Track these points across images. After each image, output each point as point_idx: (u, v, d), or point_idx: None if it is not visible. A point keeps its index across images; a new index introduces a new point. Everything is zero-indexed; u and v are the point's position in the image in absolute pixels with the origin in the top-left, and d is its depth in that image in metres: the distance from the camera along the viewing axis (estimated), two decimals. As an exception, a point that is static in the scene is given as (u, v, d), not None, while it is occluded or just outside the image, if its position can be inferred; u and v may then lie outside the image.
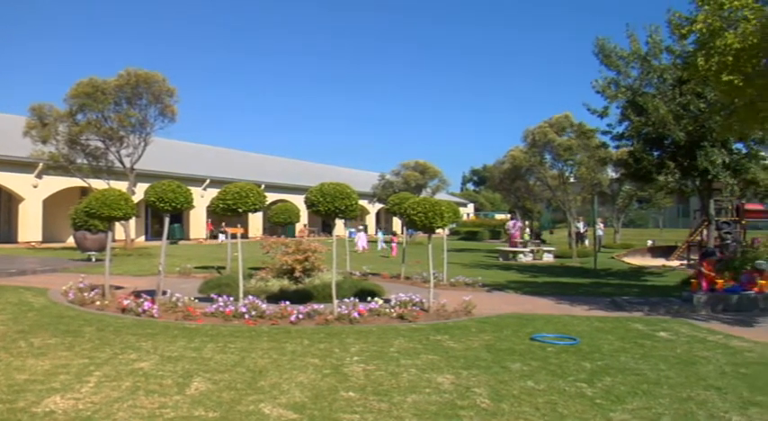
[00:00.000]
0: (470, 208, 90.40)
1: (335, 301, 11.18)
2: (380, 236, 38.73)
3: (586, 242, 42.61)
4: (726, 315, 12.88)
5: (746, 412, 6.23)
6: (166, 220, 12.72)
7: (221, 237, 39.44)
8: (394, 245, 30.71)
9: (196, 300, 11.84)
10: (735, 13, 11.33)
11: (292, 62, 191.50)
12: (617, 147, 24.76)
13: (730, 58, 11.27)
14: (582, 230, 40.18)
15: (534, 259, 31.65)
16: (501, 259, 31.64)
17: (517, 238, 36.43)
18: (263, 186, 27.78)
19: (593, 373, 7.65)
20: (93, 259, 22.82)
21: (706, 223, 23.41)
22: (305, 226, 42.63)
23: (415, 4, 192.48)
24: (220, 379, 6.93)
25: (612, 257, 32.31)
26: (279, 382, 6.85)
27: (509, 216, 50.28)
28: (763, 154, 21.90)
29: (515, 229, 37.05)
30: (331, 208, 11.46)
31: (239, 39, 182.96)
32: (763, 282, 13.72)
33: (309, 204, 11.77)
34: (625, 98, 21.11)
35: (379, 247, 35.20)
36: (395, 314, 11.26)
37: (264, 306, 11.12)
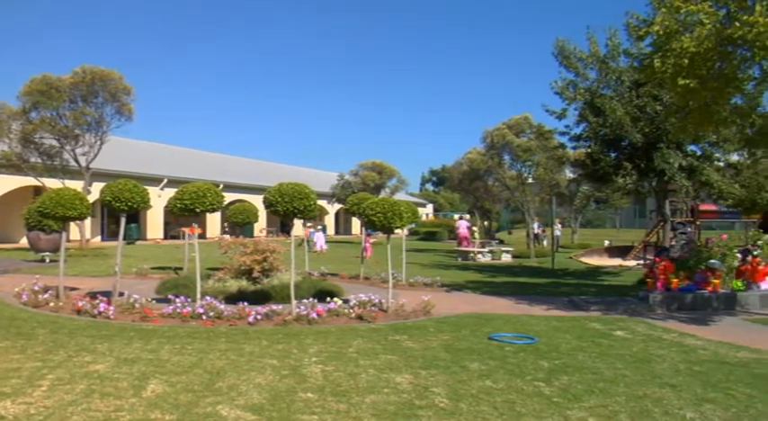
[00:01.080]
0: (429, 208, 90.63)
1: (294, 302, 11.13)
2: (320, 235, 37.14)
3: (545, 242, 42.99)
4: (681, 314, 13.06)
5: (700, 409, 6.32)
6: (123, 220, 12.54)
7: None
8: (369, 245, 30.73)
9: (153, 301, 11.71)
10: (690, 17, 11.50)
11: (251, 61, 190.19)
12: (575, 148, 25.00)
13: (686, 61, 11.43)
14: (537, 231, 40.56)
15: (493, 259, 31.84)
16: (460, 259, 31.77)
17: (467, 238, 36.70)
18: (221, 186, 27.59)
19: (551, 372, 7.69)
20: (48, 260, 22.43)
21: (662, 223, 23.76)
22: (262, 230, 42.29)
23: (374, 2, 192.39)
24: (177, 380, 6.85)
25: (570, 257, 32.65)
26: (237, 384, 6.78)
27: (457, 216, 50.48)
28: (717, 156, 22.28)
29: (463, 229, 37.28)
30: (289, 208, 11.40)
31: (198, 36, 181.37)
32: (717, 281, 13.94)
33: (268, 204, 11.70)
34: (583, 100, 21.32)
35: (318, 248, 34.47)
36: (354, 314, 11.24)
37: (222, 307, 11.03)
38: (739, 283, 14.23)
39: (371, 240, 21.08)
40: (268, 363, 7.76)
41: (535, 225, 40.46)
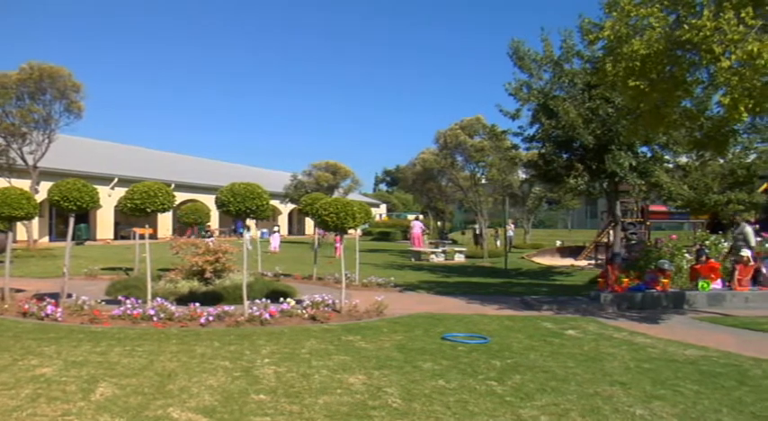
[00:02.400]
0: (383, 208, 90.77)
1: (246, 303, 11.05)
2: (275, 236, 36.37)
3: (497, 243, 43.26)
4: (631, 312, 13.25)
5: (649, 405, 6.42)
6: (71, 220, 12.33)
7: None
8: (338, 245, 30.67)
9: (103, 303, 11.54)
10: (641, 21, 11.67)
11: (204, 59, 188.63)
12: (528, 149, 25.14)
13: (637, 64, 11.59)
14: (478, 231, 40.88)
15: (446, 259, 31.94)
16: (413, 259, 31.82)
17: (420, 238, 36.93)
18: (172, 186, 27.29)
19: (504, 371, 7.74)
20: (-7, 261, 21.98)
21: (612, 224, 24.05)
22: (215, 229, 41.96)
23: None
24: (127, 383, 6.74)
25: (522, 257, 32.92)
26: (188, 386, 6.70)
27: (412, 217, 50.72)
28: (666, 157, 22.63)
29: (417, 229, 37.51)
30: (242, 208, 11.32)
31: (150, 34, 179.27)
32: (666, 280, 14.18)
33: (220, 204, 11.60)
34: (536, 101, 21.46)
35: (272, 248, 34.16)
36: (307, 315, 11.19)
37: (173, 308, 10.90)
38: (705, 285, 14.45)
39: (340, 240, 21.10)
40: (220, 365, 7.68)
41: (476, 225, 40.86)
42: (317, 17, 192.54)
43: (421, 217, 45.22)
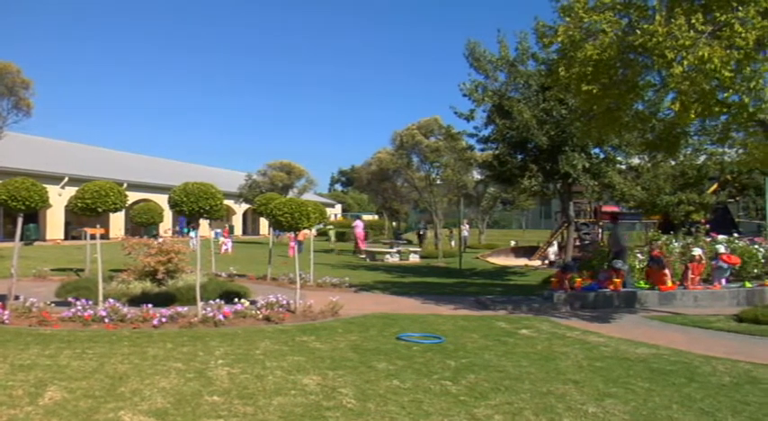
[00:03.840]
0: (338, 209, 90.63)
1: (200, 304, 10.95)
2: (192, 234, 35.83)
3: (453, 242, 43.45)
4: (584, 312, 13.41)
5: (602, 403, 6.50)
6: (20, 220, 12.10)
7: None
8: (292, 244, 30.55)
9: (52, 305, 11.35)
10: (594, 25, 11.81)
11: (156, 57, 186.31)
12: (483, 149, 25.34)
13: (590, 69, 11.73)
14: (421, 232, 41.01)
15: (401, 259, 32.02)
16: (368, 259, 31.85)
17: (362, 237, 37.19)
18: (125, 185, 26.95)
19: (458, 371, 7.77)
20: (-61, 262, 21.50)
21: (566, 224, 24.33)
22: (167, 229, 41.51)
23: None
24: (77, 387, 6.61)
25: (477, 257, 33.12)
26: (140, 388, 6.60)
27: (354, 217, 50.81)
28: (619, 159, 22.96)
29: (359, 229, 37.70)
30: (195, 208, 11.21)
31: (103, 33, 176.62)
32: (618, 280, 14.36)
33: (173, 204, 11.48)
34: (492, 102, 21.64)
35: (224, 249, 33.91)
36: (261, 316, 11.11)
37: (125, 309, 10.73)
38: (642, 283, 14.66)
39: (295, 239, 21.04)
40: (173, 367, 7.59)
41: (420, 225, 41.09)
42: (272, 14, 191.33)
43: (363, 216, 45.39)
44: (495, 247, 39.71)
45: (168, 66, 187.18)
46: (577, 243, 22.96)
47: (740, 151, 15.18)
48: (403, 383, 7.10)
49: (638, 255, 15.99)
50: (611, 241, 16.46)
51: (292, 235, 14.97)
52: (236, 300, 11.81)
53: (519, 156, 22.34)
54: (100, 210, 11.70)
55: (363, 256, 33.58)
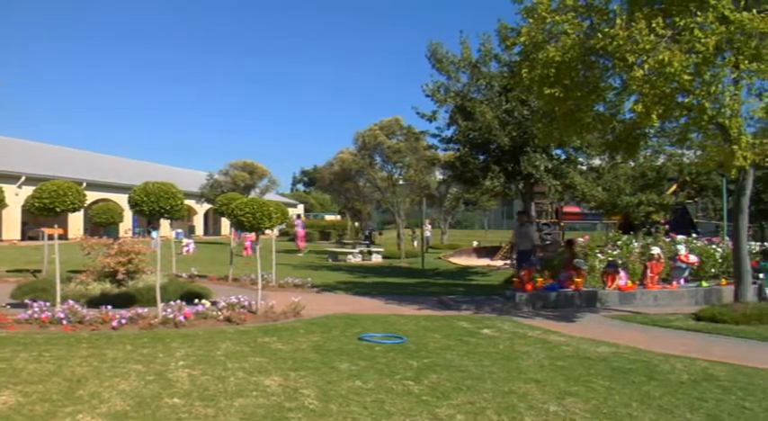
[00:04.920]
0: (300, 209, 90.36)
1: (160, 305, 10.83)
2: (153, 234, 35.53)
3: (416, 243, 43.53)
4: (546, 311, 13.50)
5: (563, 402, 6.54)
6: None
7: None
8: (248, 243, 30.37)
9: (8, 307, 11.18)
10: (556, 27, 11.92)
11: (114, 53, 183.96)
12: (445, 150, 25.42)
13: (552, 71, 11.83)
14: (368, 232, 41.08)
15: (363, 260, 32.04)
16: (330, 260, 31.84)
17: (302, 236, 38.04)
18: (83, 184, 26.60)
19: (420, 371, 7.77)
20: None
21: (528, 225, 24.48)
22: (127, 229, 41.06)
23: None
24: (33, 390, 6.48)
25: (440, 257, 33.25)
26: (99, 391, 6.49)
27: (296, 216, 50.77)
28: (580, 160, 23.17)
29: (299, 228, 37.91)
30: (155, 208, 11.08)
31: (54, 27, 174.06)
32: (579, 280, 14.50)
33: (133, 204, 11.33)
34: (454, 103, 21.72)
35: (153, 246, 33.68)
36: (222, 317, 11.03)
37: (84, 311, 10.56)
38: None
39: (251, 239, 20.93)
40: (132, 369, 7.48)
41: (371, 224, 41.20)
42: (232, 11, 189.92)
43: (303, 216, 45.53)
44: (457, 248, 39.88)
45: (123, 62, 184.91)
46: (539, 243, 23.08)
47: (699, 153, 15.40)
48: (365, 384, 7.08)
49: (599, 255, 16.14)
50: (518, 239, 16.55)
51: (247, 234, 14.89)
52: (197, 300, 11.71)
53: (481, 157, 22.44)
54: (58, 209, 11.50)
55: (301, 254, 34.50)
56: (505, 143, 20.48)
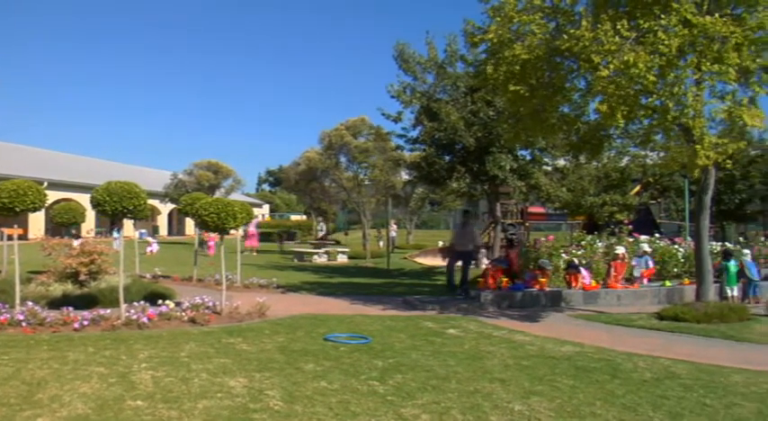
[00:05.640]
0: (266, 209, 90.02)
1: (123, 306, 10.70)
2: (115, 235, 35.67)
3: (381, 243, 43.54)
4: (511, 311, 13.57)
5: (528, 401, 6.58)
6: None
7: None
8: (212, 243, 30.16)
9: (-35, 308, 10.93)
10: (523, 27, 12.01)
11: (76, 49, 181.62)
12: (411, 150, 25.44)
13: (517, 69, 11.90)
14: (322, 233, 41.13)
15: (329, 260, 31.98)
16: (296, 260, 31.73)
17: (254, 235, 38.42)
18: (45, 184, 26.23)
19: (385, 371, 7.77)
20: None
21: (493, 225, 24.59)
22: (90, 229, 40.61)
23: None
24: (-9, 394, 6.38)
25: (405, 258, 33.20)
26: (59, 394, 6.39)
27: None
28: (545, 160, 23.32)
29: (252, 227, 38.02)
30: (118, 208, 10.93)
31: (16, 24, 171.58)
32: (544, 280, 14.59)
33: (95, 204, 11.17)
34: (420, 103, 21.74)
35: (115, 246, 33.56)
36: (186, 317, 10.93)
37: (45, 312, 10.40)
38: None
39: (215, 239, 20.83)
40: (94, 371, 7.38)
41: (320, 225, 41.21)
42: (194, 8, 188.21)
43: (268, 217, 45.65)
44: (422, 248, 39.89)
45: (84, 60, 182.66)
46: (504, 243, 23.19)
47: (662, 154, 15.57)
48: (330, 384, 7.06)
49: (563, 255, 16.25)
50: (459, 239, 16.46)
51: (211, 234, 14.77)
52: (161, 301, 11.57)
53: (447, 158, 22.47)
54: (18, 209, 11.30)
55: (254, 253, 34.96)
56: (471, 144, 20.54)
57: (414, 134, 23.06)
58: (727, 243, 20.23)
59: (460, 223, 16.57)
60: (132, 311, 10.67)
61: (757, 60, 11.08)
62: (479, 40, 13.13)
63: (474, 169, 21.55)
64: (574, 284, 14.89)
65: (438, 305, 14.06)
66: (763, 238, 23.92)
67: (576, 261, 15.49)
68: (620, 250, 15.82)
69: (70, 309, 10.66)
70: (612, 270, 15.37)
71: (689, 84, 11.03)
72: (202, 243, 32.65)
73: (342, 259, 32.79)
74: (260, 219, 43.85)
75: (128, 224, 26.69)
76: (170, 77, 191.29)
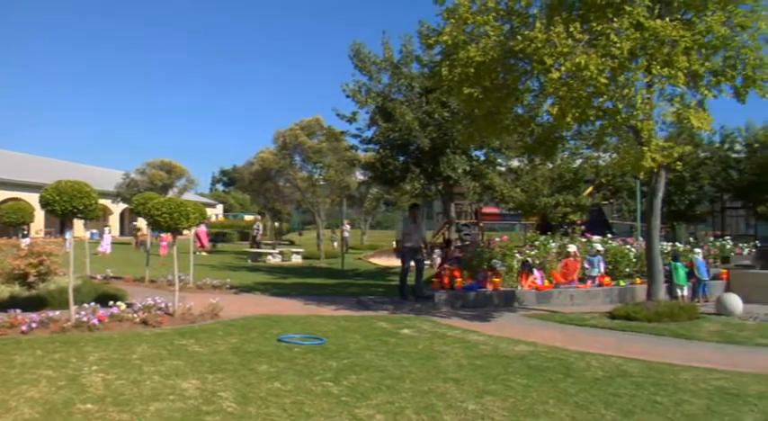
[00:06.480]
0: (219, 209, 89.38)
1: (73, 307, 10.52)
2: (106, 237, 35.82)
3: (336, 243, 43.48)
4: (464, 311, 13.61)
5: (481, 400, 6.60)
6: None
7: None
8: (164, 243, 29.84)
9: None
10: (477, 29, 12.07)
11: (22, 46, 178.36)
12: (366, 151, 25.45)
13: (472, 71, 11.96)
14: (256, 233, 41.00)
15: (283, 260, 31.87)
16: (250, 260, 31.60)
17: (203, 237, 38.60)
18: (-7, 184, 25.68)
19: (340, 372, 7.74)
20: None
21: (447, 225, 24.70)
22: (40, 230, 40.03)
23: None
24: (-69, 400, 6.21)
25: (360, 258, 33.23)
26: (5, 399, 6.24)
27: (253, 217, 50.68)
28: (499, 161, 23.49)
29: (201, 228, 38.03)
30: (68, 207, 10.73)
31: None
32: (497, 280, 14.68)
33: (44, 203, 10.95)
34: (375, 104, 21.76)
35: (102, 249, 33.34)
36: (138, 319, 10.78)
37: (-9, 314, 10.22)
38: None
39: (167, 239, 20.64)
40: (43, 374, 7.24)
41: (256, 225, 40.99)
42: (146, 4, 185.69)
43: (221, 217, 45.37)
44: (377, 248, 39.95)
45: (32, 55, 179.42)
46: (458, 243, 23.30)
47: (614, 156, 15.77)
48: (284, 385, 7.02)
49: (517, 255, 16.36)
50: (412, 235, 15.88)
51: (163, 235, 14.60)
52: (112, 303, 11.40)
53: (401, 158, 22.51)
54: (-36, 209, 11.08)
55: (204, 253, 35.10)
56: (425, 144, 20.60)
57: (368, 134, 23.08)
58: (677, 243, 20.55)
59: (410, 218, 16.07)
60: (83, 313, 10.50)
61: (706, 64, 11.27)
62: (434, 41, 13.18)
63: (428, 170, 21.63)
64: (523, 283, 15.00)
65: (392, 305, 14.07)
66: (711, 238, 24.40)
67: (529, 260, 15.61)
68: (572, 248, 16.00)
69: (18, 311, 10.45)
70: (561, 266, 15.57)
71: (639, 86, 11.18)
72: (142, 243, 32.59)
73: (296, 259, 32.71)
74: (213, 218, 43.51)
75: (78, 224, 26.29)
76: (121, 75, 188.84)
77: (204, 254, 35.49)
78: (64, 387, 6.74)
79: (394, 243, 26.06)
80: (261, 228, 39.74)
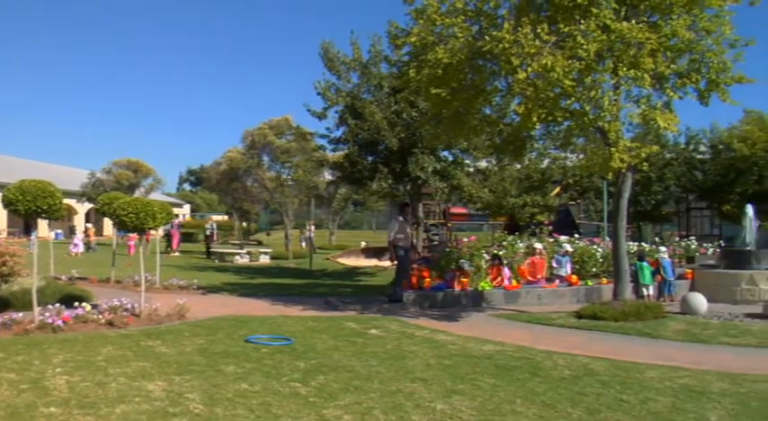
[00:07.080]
0: (187, 209, 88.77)
1: (37, 309, 10.37)
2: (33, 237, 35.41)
3: (304, 244, 43.37)
4: (432, 311, 13.63)
5: (449, 400, 6.62)
6: None
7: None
8: (131, 243, 29.57)
9: None
10: (446, 30, 12.10)
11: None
12: (334, 150, 25.38)
13: (440, 72, 11.98)
14: (209, 232, 40.85)
15: (251, 260, 31.75)
16: (217, 260, 31.43)
17: (175, 238, 38.34)
18: (-46, 183, 25.28)
19: (307, 372, 7.72)
20: None
21: (416, 225, 24.73)
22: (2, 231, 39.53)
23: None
24: None
25: (328, 258, 33.17)
26: (-35, 402, 6.16)
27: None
28: (467, 162, 23.53)
29: (174, 228, 37.83)
30: (32, 207, 10.57)
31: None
32: (465, 280, 14.73)
33: (7, 203, 10.78)
34: (344, 102, 21.72)
35: (73, 251, 33.01)
36: (103, 320, 10.66)
37: (-49, 317, 10.05)
38: (486, 285, 14.99)
39: (135, 239, 20.52)
40: (4, 377, 7.12)
41: (208, 226, 40.79)
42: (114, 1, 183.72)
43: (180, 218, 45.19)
44: (345, 248, 39.93)
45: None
46: (426, 243, 23.33)
47: (581, 156, 15.87)
48: (252, 386, 6.99)
49: (485, 255, 16.42)
50: (404, 233, 15.68)
51: (130, 234, 14.47)
52: (77, 304, 11.26)
53: (369, 158, 22.47)
54: (-77, 209, 10.88)
55: (177, 254, 35.26)
56: (394, 144, 20.58)
57: (337, 134, 23.04)
58: (643, 243, 20.75)
59: (401, 217, 15.90)
60: (47, 314, 10.35)
61: (671, 66, 11.41)
62: (402, 41, 13.20)
63: (396, 170, 21.61)
64: (494, 277, 15.07)
65: (360, 305, 14.07)
66: (677, 239, 24.66)
67: (501, 254, 15.69)
68: (538, 246, 16.11)
69: (-20, 313, 10.30)
70: (528, 263, 15.69)
71: (606, 88, 11.27)
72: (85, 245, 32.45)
73: (264, 260, 32.63)
74: (180, 218, 43.21)
75: (42, 224, 25.97)
76: (88, 72, 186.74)
77: (177, 254, 35.37)
78: (27, 390, 6.64)
79: (363, 243, 25.87)
80: (214, 227, 39.39)
